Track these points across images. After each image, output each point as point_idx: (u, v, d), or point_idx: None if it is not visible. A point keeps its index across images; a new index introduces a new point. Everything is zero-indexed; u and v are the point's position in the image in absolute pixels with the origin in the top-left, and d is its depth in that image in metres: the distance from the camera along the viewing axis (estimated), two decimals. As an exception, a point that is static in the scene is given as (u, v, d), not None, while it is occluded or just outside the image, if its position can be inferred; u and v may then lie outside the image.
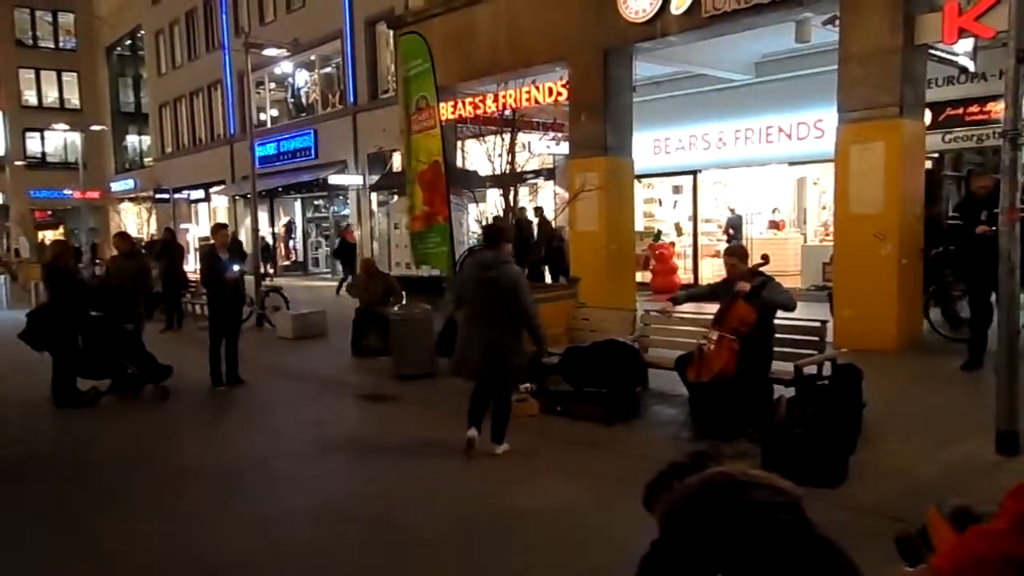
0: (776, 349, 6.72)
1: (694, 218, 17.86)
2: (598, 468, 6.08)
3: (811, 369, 6.59)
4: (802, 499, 2.13)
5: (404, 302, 10.89)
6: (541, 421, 7.37)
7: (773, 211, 17.72)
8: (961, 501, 2.57)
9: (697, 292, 7.33)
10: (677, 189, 18.68)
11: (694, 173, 17.68)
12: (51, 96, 47.18)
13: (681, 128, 17.26)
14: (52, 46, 47.06)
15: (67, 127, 39.18)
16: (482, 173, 13.23)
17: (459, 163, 16.55)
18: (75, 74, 47.12)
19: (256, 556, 4.71)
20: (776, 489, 2.14)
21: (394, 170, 22.47)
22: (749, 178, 17.39)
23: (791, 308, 6.55)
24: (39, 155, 46.78)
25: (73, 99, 47.33)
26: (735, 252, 6.99)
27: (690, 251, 17.89)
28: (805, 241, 16.62)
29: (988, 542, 2.06)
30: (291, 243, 31.95)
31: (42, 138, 46.21)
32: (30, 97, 46.56)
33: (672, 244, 17.70)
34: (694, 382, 6.57)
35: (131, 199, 42.74)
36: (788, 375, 6.47)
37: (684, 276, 17.36)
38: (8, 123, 45.71)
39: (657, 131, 17.26)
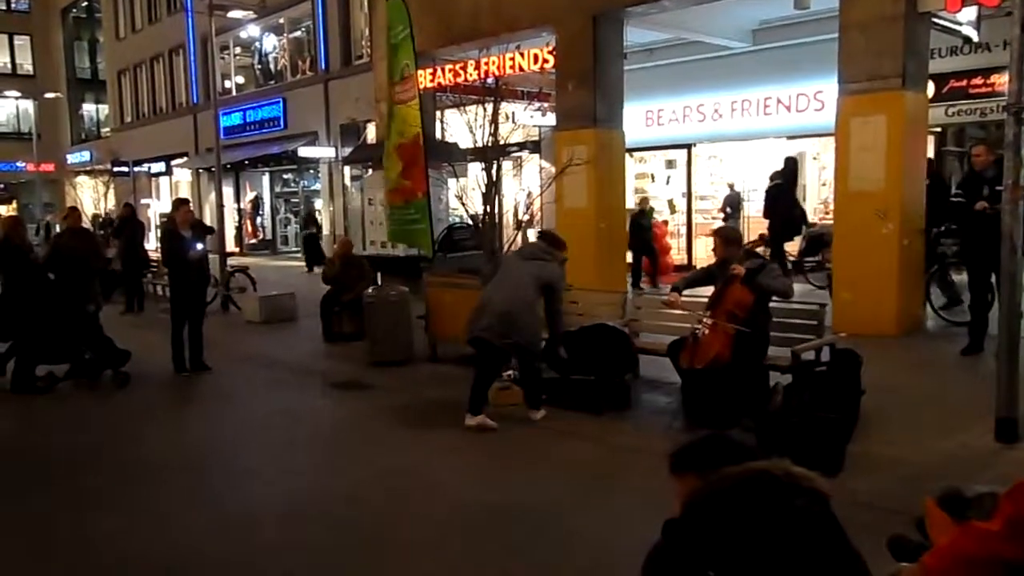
0: (773, 334, 6.72)
1: (688, 195, 17.85)
2: (586, 461, 6.08)
3: (809, 355, 6.61)
4: (831, 499, 2.13)
5: (378, 284, 10.83)
6: (525, 410, 7.34)
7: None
8: (950, 484, 2.60)
9: (694, 277, 7.30)
10: (670, 163, 18.66)
11: (688, 147, 17.67)
12: (2, 61, 46.47)
13: (675, 99, 17.22)
14: (4, 7, 46.34)
15: (19, 94, 38.64)
16: (463, 146, 13.14)
17: (438, 135, 16.44)
18: (28, 37, 46.47)
19: (220, 557, 4.66)
20: (815, 494, 2.13)
21: (368, 142, 22.29)
22: (746, 152, 17.38)
23: (788, 295, 6.56)
24: (-10, 124, 46.16)
25: (26, 64, 46.68)
26: (720, 233, 7.00)
27: (684, 230, 17.89)
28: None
29: (979, 542, 2.09)
30: (258, 220, 31.69)
31: (-8, 106, 45.58)
32: (-21, 62, 45.86)
33: (665, 223, 17.68)
34: (687, 369, 6.57)
35: (88, 172, 42.22)
36: (785, 361, 6.48)
37: (677, 257, 17.36)
38: (-45, 89, 45.00)
39: (649, 102, 17.21)
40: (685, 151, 17.81)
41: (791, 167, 14.29)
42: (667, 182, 18.74)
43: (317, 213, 25.95)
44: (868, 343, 7.29)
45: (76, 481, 6.01)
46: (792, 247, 14.07)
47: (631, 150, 15.34)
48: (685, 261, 17.38)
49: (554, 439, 6.60)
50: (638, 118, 16.90)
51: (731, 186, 17.62)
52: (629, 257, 14.78)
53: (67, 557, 4.75)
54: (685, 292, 7.03)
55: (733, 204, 17.29)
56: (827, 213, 15.29)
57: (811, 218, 14.98)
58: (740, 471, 2.19)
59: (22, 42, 46.61)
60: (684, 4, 12.69)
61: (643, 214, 15.37)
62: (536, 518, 4.97)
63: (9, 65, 46.57)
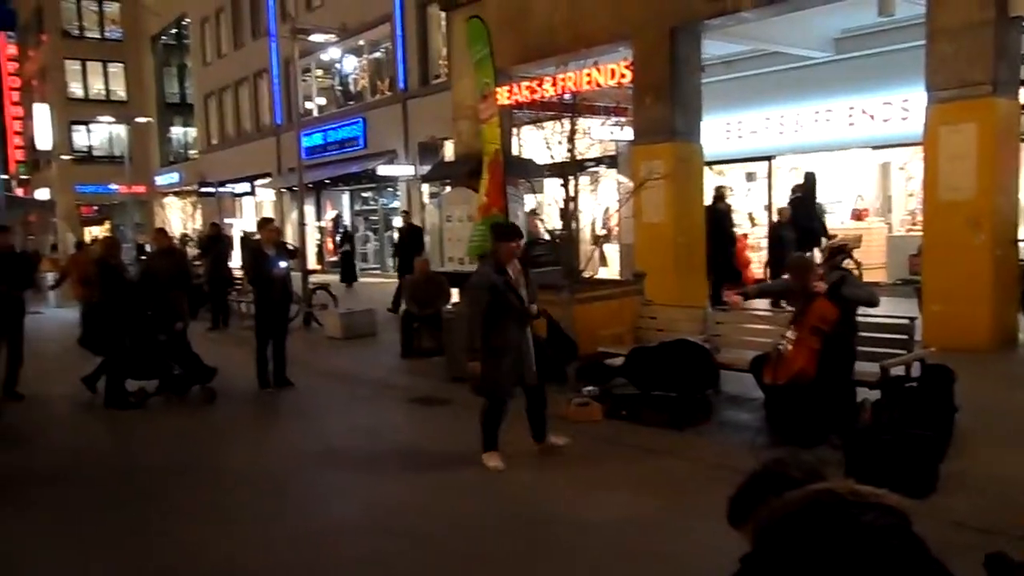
0: (860, 349, 6.57)
1: (769, 207, 17.57)
2: (668, 478, 6.02)
3: (898, 370, 6.45)
4: (911, 516, 2.06)
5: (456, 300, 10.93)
6: (605, 427, 7.33)
7: (856, 199, 17.32)
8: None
9: (770, 287, 7.20)
10: (750, 176, 18.40)
11: (768, 159, 17.39)
12: (97, 87, 48.53)
13: (754, 110, 16.98)
14: (98, 36, 48.39)
15: (113, 120, 40.26)
16: (539, 161, 13.19)
17: (515, 151, 16.54)
18: (121, 65, 48.42)
19: (304, 568, 4.76)
20: (886, 509, 2.08)
21: (446, 160, 22.55)
22: (828, 164, 17.02)
23: (874, 304, 6.41)
24: (86, 149, 48.18)
25: (119, 90, 48.64)
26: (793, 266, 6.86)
27: (765, 243, 17.59)
28: (890, 231, 16.21)
29: None
30: (339, 238, 32.28)
31: (88, 131, 47.59)
32: (76, 89, 48.01)
33: (745, 236, 17.43)
34: (771, 385, 6.45)
35: (176, 193, 43.75)
36: (873, 377, 6.33)
37: (758, 270, 17.08)
38: (55, 116, 47.15)
39: (728, 114, 17.01)
40: (765, 163, 17.53)
41: (811, 182, 14.82)
42: (747, 194, 18.48)
43: (354, 231, 26.30)
44: (960, 358, 7.05)
45: (167, 493, 6.22)
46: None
47: (710, 163, 15.18)
48: (767, 274, 17.06)
49: (635, 455, 6.55)
50: (717, 131, 16.72)
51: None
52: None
53: (159, 567, 4.90)
54: (765, 303, 6.93)
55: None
56: (914, 224, 14.87)
57: (897, 230, 14.54)
58: (803, 494, 2.16)
59: (115, 69, 48.61)
60: (764, 15, 12.53)
61: (721, 199, 14.48)
62: (619, 535, 4.95)
63: (103, 92, 48.62)
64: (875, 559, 1.96)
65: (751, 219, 18.09)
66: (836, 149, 16.31)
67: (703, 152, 13.81)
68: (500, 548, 4.92)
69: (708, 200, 14.13)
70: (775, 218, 15.72)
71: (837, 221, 16.93)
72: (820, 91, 15.84)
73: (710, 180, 14.93)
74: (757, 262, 17.22)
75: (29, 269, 10.57)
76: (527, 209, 15.26)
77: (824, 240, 14.12)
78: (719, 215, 14.10)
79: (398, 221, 23.28)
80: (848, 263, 13.20)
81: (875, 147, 15.86)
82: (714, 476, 5.79)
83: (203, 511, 5.79)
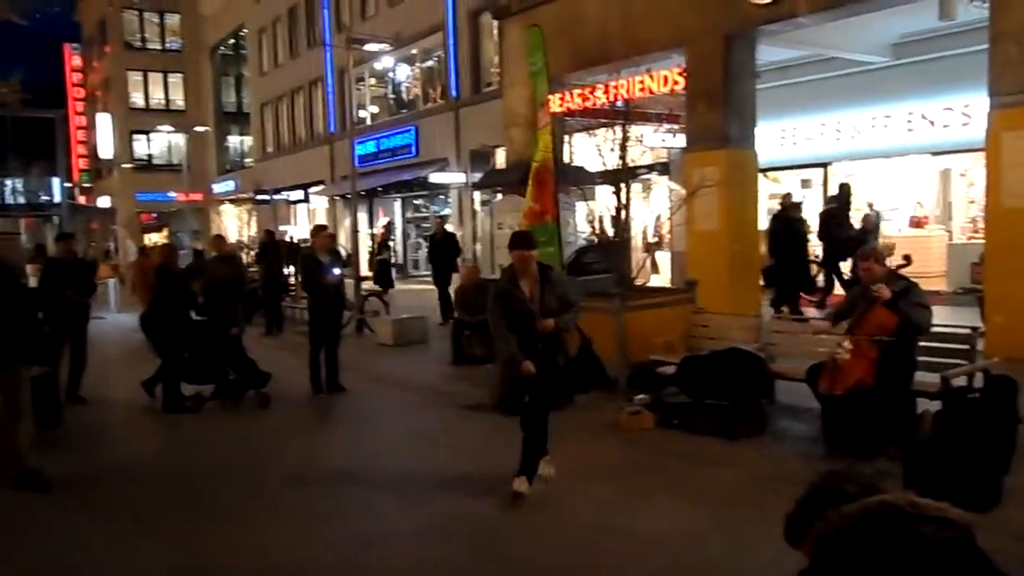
0: (920, 359, 6.43)
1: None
2: (722, 488, 5.95)
3: (960, 381, 6.29)
4: (974, 529, 2.01)
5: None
6: (656, 435, 7.28)
7: (915, 206, 16.98)
8: None
9: (841, 311, 6.93)
10: (805, 183, 18.15)
11: (824, 165, 17.16)
12: (157, 97, 49.69)
13: (810, 116, 16.77)
14: (159, 47, 49.61)
15: (172, 128, 41.18)
16: (591, 169, 13.17)
17: (566, 159, 16.54)
18: (180, 75, 49.52)
19: (356, 572, 4.81)
20: (947, 522, 2.03)
21: (497, 167, 22.63)
22: (886, 170, 16.73)
23: (923, 330, 6.26)
24: (145, 157, 49.34)
25: (178, 100, 49.74)
26: (871, 255, 6.67)
27: (819, 251, 17.32)
28: (951, 239, 15.86)
29: None
30: (391, 244, 32.57)
31: (148, 140, 48.72)
32: (137, 99, 49.20)
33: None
34: (827, 395, 6.35)
35: (232, 201, 44.57)
36: (934, 387, 6.19)
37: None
38: (116, 126, 48.41)
39: (783, 120, 16.82)
40: (821, 170, 17.29)
41: (845, 192, 14.68)
42: (801, 202, 18.21)
43: (391, 238, 26.51)
44: (1025, 369, 6.86)
45: (223, 495, 6.32)
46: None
47: (764, 170, 15.02)
48: (821, 283, 16.80)
49: (687, 465, 6.49)
50: (772, 137, 16.54)
51: (870, 205, 16.97)
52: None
53: (214, 565, 4.99)
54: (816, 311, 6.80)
55: (872, 225, 16.64)
56: (976, 232, 14.53)
57: (958, 238, 14.26)
58: (860, 507, 2.11)
59: (175, 80, 49.73)
60: (821, 20, 12.37)
61: (796, 207, 14.03)
62: (674, 547, 4.90)
63: (163, 101, 49.75)
64: (937, 572, 1.92)
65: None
66: (894, 155, 16.04)
67: (757, 159, 13.67)
68: (554, 558, 4.91)
69: (764, 207, 13.98)
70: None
71: (895, 229, 16.63)
72: (878, 96, 15.59)
73: (764, 187, 14.79)
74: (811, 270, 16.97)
75: (92, 275, 10.83)
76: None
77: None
78: (794, 224, 13.88)
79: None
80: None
81: (935, 153, 15.56)
82: (769, 487, 5.71)
83: (257, 513, 5.87)
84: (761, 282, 14.02)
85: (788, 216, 13.75)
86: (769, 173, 16.94)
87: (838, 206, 14.48)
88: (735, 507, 5.49)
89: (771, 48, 14.17)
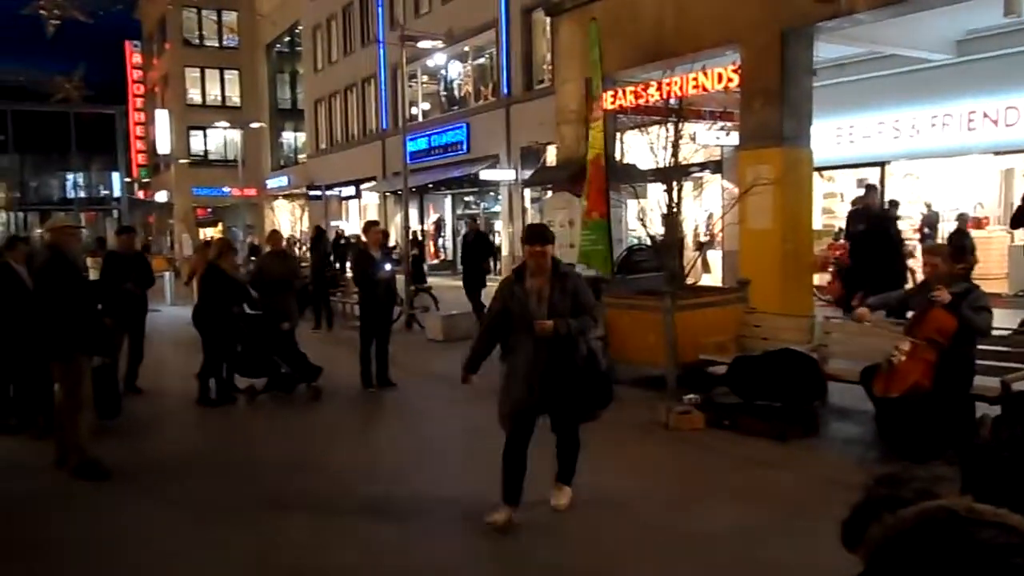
0: (979, 362, 6.29)
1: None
2: (775, 489, 5.89)
3: (1021, 385, 6.14)
4: None
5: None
6: (707, 436, 7.23)
7: (975, 207, 16.59)
8: None
9: (891, 298, 6.89)
10: (862, 182, 17.83)
11: (882, 164, 16.84)
12: (213, 94, 50.59)
13: (868, 114, 16.48)
14: (216, 45, 50.45)
15: (227, 125, 41.88)
16: (643, 166, 13.10)
17: (618, 156, 16.46)
18: (236, 72, 50.30)
19: (406, 565, 4.85)
20: (1006, 527, 1.98)
21: (548, 164, 22.62)
22: (946, 170, 16.37)
23: (984, 333, 6.12)
24: (202, 153, 50.25)
25: (234, 97, 50.54)
26: (939, 252, 6.52)
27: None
28: (1012, 241, 15.47)
29: None
30: (440, 241, 32.78)
31: (204, 136, 49.61)
32: (194, 95, 50.10)
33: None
34: (882, 397, 6.24)
35: (285, 196, 45.18)
36: (994, 392, 6.05)
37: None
38: (174, 122, 49.39)
39: (840, 118, 16.56)
40: (878, 169, 16.98)
41: (872, 194, 14.39)
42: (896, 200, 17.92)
43: (418, 233, 26.69)
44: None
45: (274, 487, 6.42)
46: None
47: (820, 169, 14.80)
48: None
49: (739, 466, 6.44)
50: (828, 135, 16.29)
51: (928, 205, 16.64)
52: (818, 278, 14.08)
53: (263, 557, 5.07)
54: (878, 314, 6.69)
55: (931, 225, 16.31)
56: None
57: (1020, 239, 13.97)
58: (917, 511, 2.07)
59: (231, 76, 50.52)
60: (880, 17, 12.12)
61: (893, 204, 13.86)
62: (729, 547, 4.88)
63: (219, 98, 50.60)
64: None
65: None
66: (955, 155, 15.68)
67: (812, 157, 13.46)
68: (608, 555, 4.90)
69: (819, 206, 13.75)
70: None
71: (953, 229, 16.27)
72: (939, 94, 15.25)
73: (819, 186, 14.57)
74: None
75: (151, 269, 11.06)
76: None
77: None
78: (887, 221, 13.56)
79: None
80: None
81: (997, 152, 15.18)
82: (823, 489, 5.65)
83: (307, 506, 5.95)
84: (813, 281, 13.82)
85: (882, 215, 13.50)
86: (824, 172, 16.69)
87: (864, 207, 14.15)
88: (790, 509, 5.43)
89: (829, 45, 13.94)
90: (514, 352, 5.39)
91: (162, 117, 50.92)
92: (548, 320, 5.18)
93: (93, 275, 12.91)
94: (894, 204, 13.95)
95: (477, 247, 16.38)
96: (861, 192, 17.75)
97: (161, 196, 54.04)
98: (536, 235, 5.39)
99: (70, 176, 52.80)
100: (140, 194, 58.21)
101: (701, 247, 17.49)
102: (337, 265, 19.10)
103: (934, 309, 6.05)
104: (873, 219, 13.28)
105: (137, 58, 56.91)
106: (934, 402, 5.90)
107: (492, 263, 16.03)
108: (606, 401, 5.55)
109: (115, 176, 52.80)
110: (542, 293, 5.28)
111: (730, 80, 13.96)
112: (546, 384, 5.25)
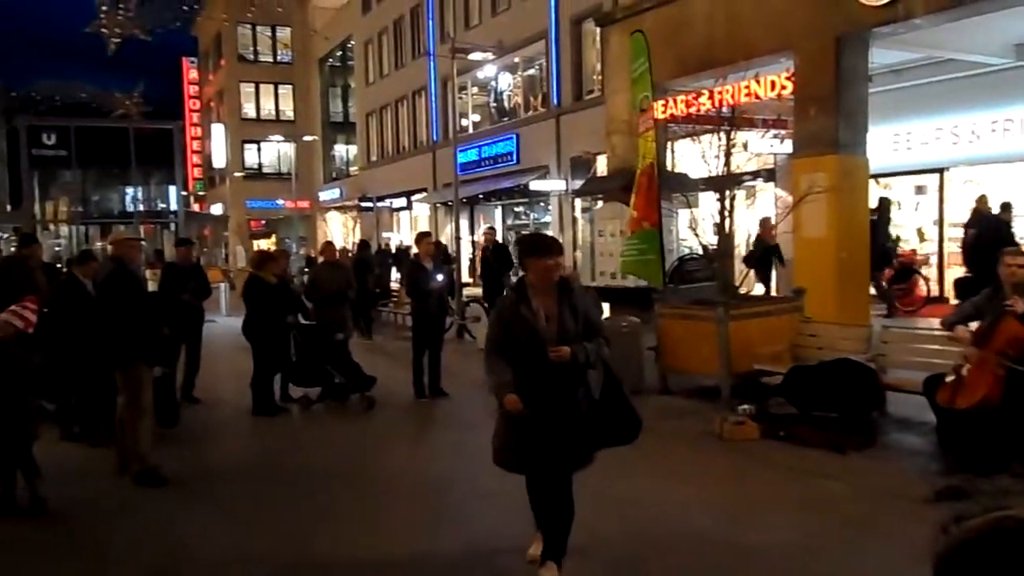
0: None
1: (940, 222, 16.66)
2: (833, 502, 5.79)
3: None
4: None
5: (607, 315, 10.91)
6: (762, 446, 7.13)
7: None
8: None
9: (963, 313, 6.59)
10: (920, 189, 17.50)
11: (940, 171, 16.51)
12: (267, 108, 51.53)
13: (925, 120, 16.18)
14: (270, 60, 51.42)
15: (281, 138, 42.58)
16: (694, 175, 13.01)
17: (668, 165, 16.38)
18: (290, 86, 51.19)
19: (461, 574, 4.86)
20: None
21: (598, 174, 22.58)
22: (1008, 176, 15.98)
23: None
24: (255, 166, 51.15)
25: (287, 111, 51.41)
26: (1020, 254, 6.26)
27: (935, 259, 16.70)
28: (1078, 249, 15.03)
29: None
30: (490, 251, 32.82)
31: (258, 149, 50.50)
32: (249, 110, 51.08)
33: (913, 251, 16.61)
34: (946, 408, 6.09)
35: (337, 208, 45.72)
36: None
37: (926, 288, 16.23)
38: (229, 136, 50.38)
39: (896, 125, 16.27)
40: (937, 176, 16.64)
41: (884, 205, 15.23)
42: (915, 209, 17.59)
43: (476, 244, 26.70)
44: None
45: (330, 496, 6.49)
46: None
47: (876, 176, 14.57)
48: (937, 292, 16.20)
49: (795, 477, 6.34)
50: (884, 142, 16.02)
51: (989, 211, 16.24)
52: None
53: (314, 563, 5.13)
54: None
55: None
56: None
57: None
58: (983, 521, 2.03)
59: (285, 91, 51.43)
60: (938, 21, 11.91)
61: (1006, 208, 13.70)
62: (783, 560, 4.80)
63: (273, 112, 51.53)
64: None
65: (920, 234, 17.20)
66: (1016, 160, 15.31)
67: (868, 165, 13.26)
68: (659, 566, 4.86)
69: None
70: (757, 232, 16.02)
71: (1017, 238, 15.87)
72: (999, 99, 14.92)
73: (875, 193, 14.35)
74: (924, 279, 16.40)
75: (207, 280, 11.25)
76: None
77: (894, 260, 15.21)
78: (1001, 225, 13.25)
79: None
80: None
81: (1062, 159, 14.79)
82: (883, 502, 5.55)
83: (362, 514, 6.00)
84: (870, 291, 13.58)
85: (996, 219, 13.21)
86: (880, 179, 16.41)
87: (878, 218, 14.74)
88: (849, 521, 5.33)
89: (885, 50, 13.73)
90: (517, 387, 4.54)
91: (218, 131, 51.99)
92: (562, 347, 4.43)
93: (151, 286, 13.18)
94: (1007, 207, 13.60)
95: (497, 259, 16.16)
96: (921, 199, 17.52)
97: (216, 209, 55.08)
98: (544, 245, 4.70)
99: (129, 190, 54.05)
100: (195, 207, 59.41)
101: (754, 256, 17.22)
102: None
103: (1006, 319, 5.86)
104: (985, 223, 13.00)
105: (193, 74, 58.18)
106: (1001, 415, 5.75)
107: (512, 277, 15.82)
108: (634, 434, 4.79)
109: (172, 190, 53.96)
110: (550, 314, 4.55)
111: (783, 87, 13.82)
112: (559, 428, 4.50)
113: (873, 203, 14.66)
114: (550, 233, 27.84)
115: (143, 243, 10.20)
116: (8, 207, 58.28)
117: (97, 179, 56.08)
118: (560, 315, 4.54)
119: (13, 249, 33.04)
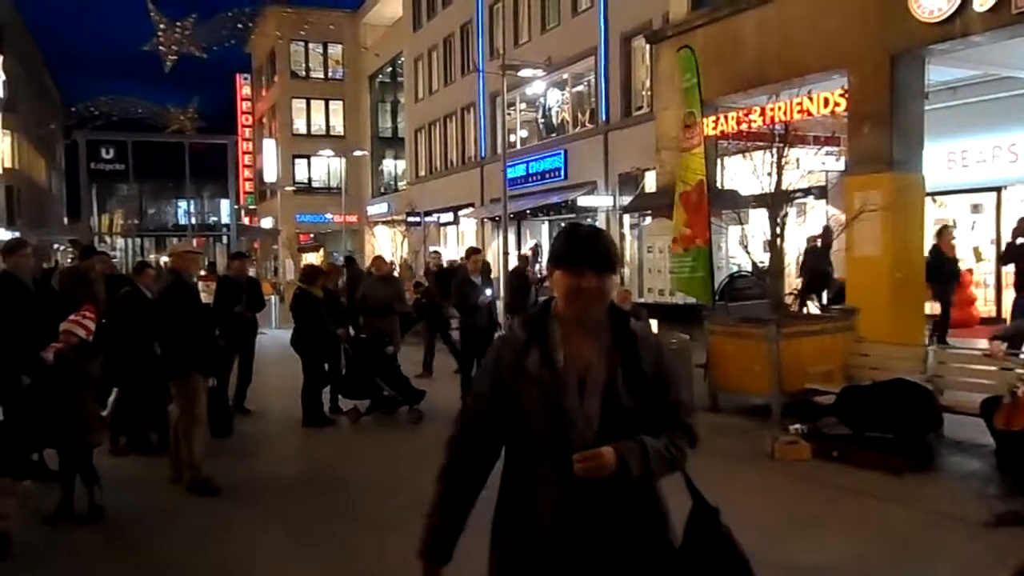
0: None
1: (997, 241, 16.35)
2: (887, 523, 5.71)
3: None
4: None
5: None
6: (814, 467, 7.06)
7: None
8: None
9: (1017, 330, 6.55)
10: (976, 208, 17.19)
11: (998, 190, 16.21)
12: (318, 123, 52.35)
13: (982, 138, 15.91)
14: (322, 76, 52.27)
15: (331, 153, 43.19)
16: (745, 192, 12.94)
17: (719, 182, 16.30)
18: (341, 102, 51.98)
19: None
20: None
21: (647, 191, 22.54)
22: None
23: None
24: (306, 180, 51.93)
25: (338, 126, 52.19)
26: None
27: (991, 280, 16.37)
28: None
29: None
30: (537, 267, 32.87)
31: (308, 164, 51.28)
32: (300, 125, 51.99)
33: (970, 271, 16.30)
34: (1003, 431, 5.99)
35: (385, 222, 46.16)
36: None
37: (984, 308, 15.92)
38: (280, 151, 51.22)
39: (952, 142, 16.02)
40: (994, 194, 16.34)
41: (827, 233, 15.55)
42: (972, 228, 17.27)
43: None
44: None
45: (373, 508, 6.53)
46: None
47: (931, 194, 14.36)
48: (994, 313, 15.88)
49: (849, 498, 6.27)
50: (940, 160, 15.78)
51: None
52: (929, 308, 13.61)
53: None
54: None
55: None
56: None
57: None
58: None
59: (336, 107, 52.23)
60: (998, 38, 11.73)
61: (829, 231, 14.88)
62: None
63: (324, 127, 52.33)
64: None
65: (976, 254, 16.88)
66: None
67: (924, 183, 13.07)
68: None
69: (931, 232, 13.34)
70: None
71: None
72: (1059, 117, 14.64)
73: (930, 212, 14.14)
74: (983, 300, 16.10)
75: (261, 293, 11.43)
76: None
77: (832, 283, 15.15)
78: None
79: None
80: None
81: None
82: (941, 525, 5.46)
83: (411, 525, 6.02)
84: (925, 310, 13.34)
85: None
86: (936, 197, 16.17)
87: (821, 245, 15.44)
88: (906, 544, 5.26)
89: (941, 68, 13.55)
90: (520, 495, 2.75)
91: (269, 146, 52.88)
92: (604, 446, 2.37)
93: (205, 298, 13.41)
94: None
95: (519, 285, 13.47)
96: (978, 218, 17.21)
97: (267, 222, 55.92)
98: (575, 249, 2.43)
99: (183, 203, 55.04)
100: (246, 220, 60.35)
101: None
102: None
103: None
104: None
105: (246, 90, 59.27)
106: (1060, 437, 5.64)
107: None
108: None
109: (224, 203, 54.82)
110: (587, 375, 2.45)
111: (836, 105, 13.73)
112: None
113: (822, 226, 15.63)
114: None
115: (200, 255, 10.40)
116: (65, 219, 59.78)
117: (152, 192, 57.21)
118: (609, 379, 2.44)
119: (70, 260, 33.89)
